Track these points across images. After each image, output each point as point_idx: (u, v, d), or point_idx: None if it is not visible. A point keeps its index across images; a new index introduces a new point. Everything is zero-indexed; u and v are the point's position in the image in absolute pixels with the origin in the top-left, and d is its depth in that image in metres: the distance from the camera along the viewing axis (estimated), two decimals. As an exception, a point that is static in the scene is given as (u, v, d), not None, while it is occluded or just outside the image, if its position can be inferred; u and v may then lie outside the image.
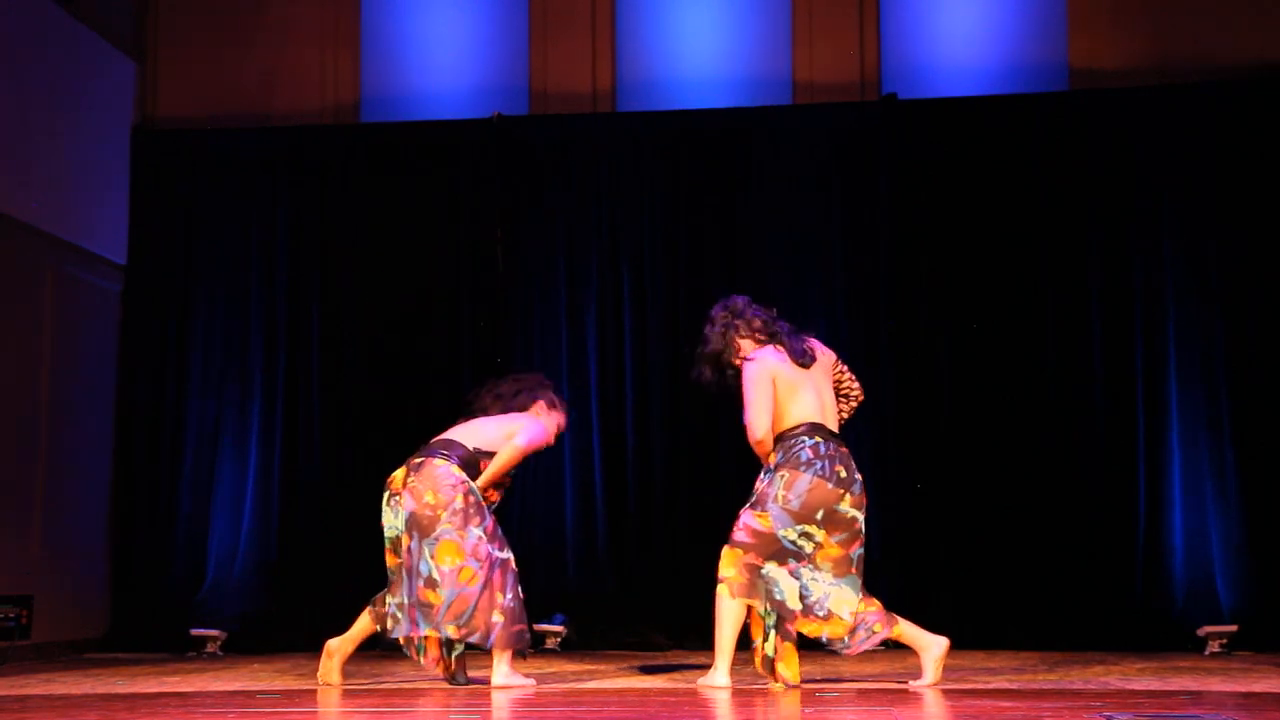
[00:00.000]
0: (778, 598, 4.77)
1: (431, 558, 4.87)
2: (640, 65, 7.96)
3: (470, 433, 5.12)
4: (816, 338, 5.10)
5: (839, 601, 4.74)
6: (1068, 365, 7.20)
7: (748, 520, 4.82)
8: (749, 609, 4.83)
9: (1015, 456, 7.13)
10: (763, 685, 4.90)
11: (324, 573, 7.27)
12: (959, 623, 6.73)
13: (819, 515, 4.76)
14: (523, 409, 5.27)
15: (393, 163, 7.76)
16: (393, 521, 5.02)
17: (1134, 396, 7.12)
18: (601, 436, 7.45)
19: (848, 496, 4.79)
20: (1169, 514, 7.00)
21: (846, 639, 4.75)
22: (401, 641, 5.04)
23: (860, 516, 4.80)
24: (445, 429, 5.20)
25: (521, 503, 7.38)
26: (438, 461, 4.99)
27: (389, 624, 5.00)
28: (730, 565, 4.80)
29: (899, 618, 4.79)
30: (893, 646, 5.09)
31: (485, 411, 5.25)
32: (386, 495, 5.06)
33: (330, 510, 7.45)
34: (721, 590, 4.80)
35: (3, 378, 6.79)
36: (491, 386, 5.37)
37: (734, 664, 4.83)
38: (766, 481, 4.86)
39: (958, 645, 6.55)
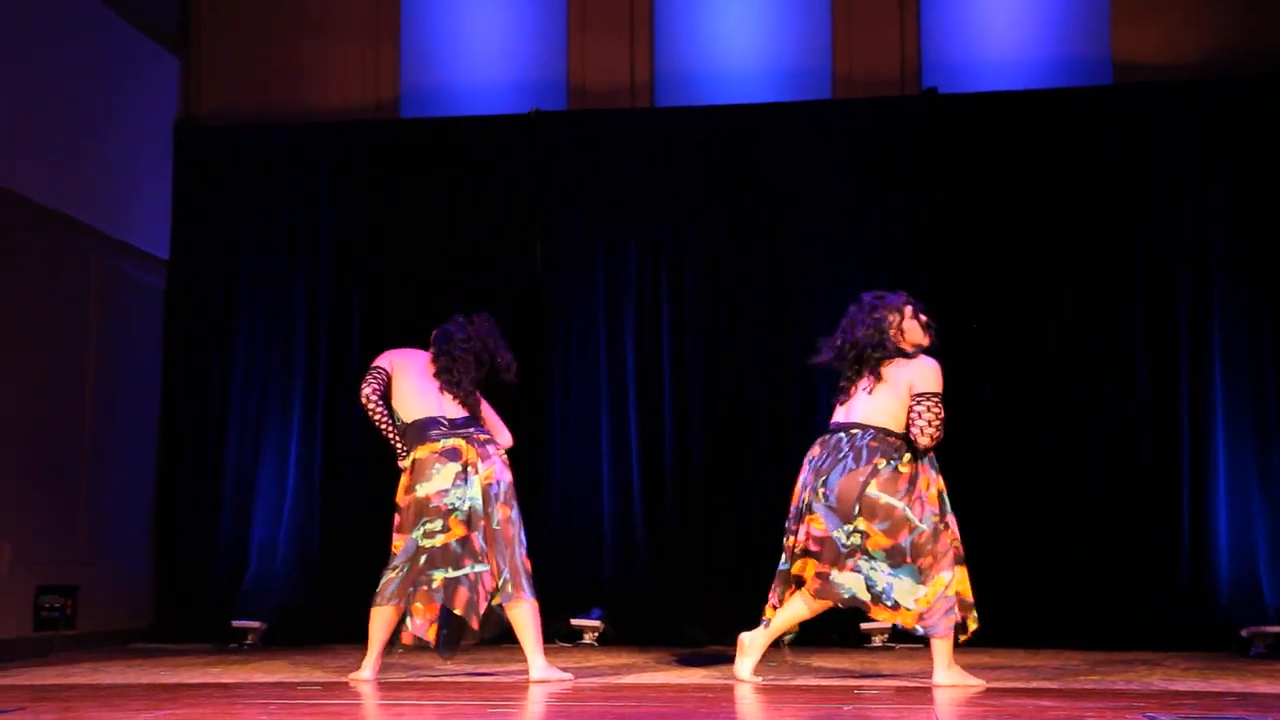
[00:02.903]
0: (847, 596, 4.79)
1: (521, 529, 5.10)
2: (678, 60, 7.94)
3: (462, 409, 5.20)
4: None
5: (901, 592, 4.74)
6: (1112, 361, 7.13)
7: (810, 530, 4.87)
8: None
9: (1058, 454, 7.07)
10: (798, 681, 4.90)
11: (363, 567, 7.27)
12: (1000, 621, 6.71)
13: (855, 509, 4.77)
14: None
15: (432, 158, 7.79)
16: (466, 494, 5.03)
17: (1178, 393, 7.04)
18: (639, 432, 7.45)
19: (874, 482, 4.78)
20: (1213, 513, 6.93)
21: (918, 627, 4.74)
22: (461, 609, 5.02)
23: (897, 504, 4.75)
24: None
25: (560, 497, 7.40)
26: (491, 449, 5.15)
27: (498, 597, 5.01)
28: (809, 572, 4.87)
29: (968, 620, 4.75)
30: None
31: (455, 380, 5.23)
32: (459, 467, 5.04)
33: (370, 504, 7.47)
34: (800, 593, 4.89)
35: (50, 371, 6.87)
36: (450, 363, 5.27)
37: (766, 659, 4.87)
38: (802, 489, 4.97)
39: (999, 643, 6.55)
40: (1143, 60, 7.46)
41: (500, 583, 5.01)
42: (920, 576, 4.75)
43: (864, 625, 6.71)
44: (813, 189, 7.50)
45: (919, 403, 4.81)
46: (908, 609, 4.73)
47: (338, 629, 6.97)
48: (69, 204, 7.02)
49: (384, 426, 5.20)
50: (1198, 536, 6.93)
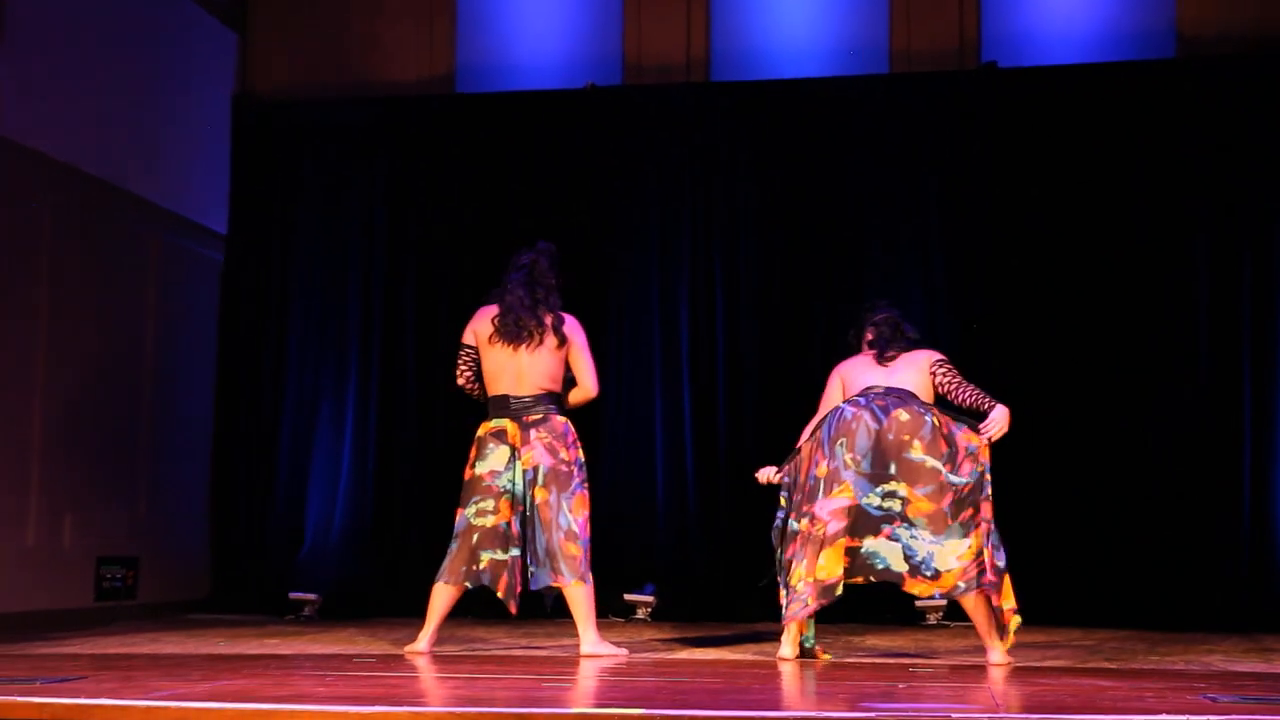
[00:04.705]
0: (880, 568, 4.72)
1: (570, 510, 5.02)
2: (734, 34, 7.88)
3: (542, 372, 5.14)
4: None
5: (944, 557, 4.65)
6: (1173, 338, 7.03)
7: (830, 505, 4.74)
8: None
9: (1118, 431, 6.98)
10: (851, 659, 4.88)
11: (418, 540, 7.36)
12: (1058, 600, 6.67)
13: (892, 468, 4.71)
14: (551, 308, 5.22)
15: (488, 133, 7.79)
16: (511, 478, 5.05)
17: (1240, 370, 6.93)
18: (693, 406, 7.43)
19: (917, 442, 4.71)
20: (1274, 493, 6.82)
21: (961, 584, 4.64)
22: (501, 592, 5.04)
23: (941, 468, 4.69)
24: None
25: (613, 473, 7.40)
26: (559, 418, 5.12)
27: (527, 576, 5.03)
28: (835, 564, 4.73)
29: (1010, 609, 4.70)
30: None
31: (524, 330, 5.16)
32: (508, 451, 5.06)
33: (424, 478, 7.53)
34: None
35: (110, 345, 6.96)
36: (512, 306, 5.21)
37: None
38: (826, 460, 4.82)
39: (1055, 622, 6.49)
40: (1208, 33, 7.31)
41: (534, 566, 5.03)
42: (964, 531, 4.66)
43: (919, 603, 6.67)
44: (870, 164, 7.43)
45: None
46: (951, 572, 4.63)
47: (392, 602, 7.03)
48: (128, 179, 7.09)
49: (480, 397, 5.30)
50: (1259, 516, 6.82)
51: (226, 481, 7.80)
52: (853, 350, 5.20)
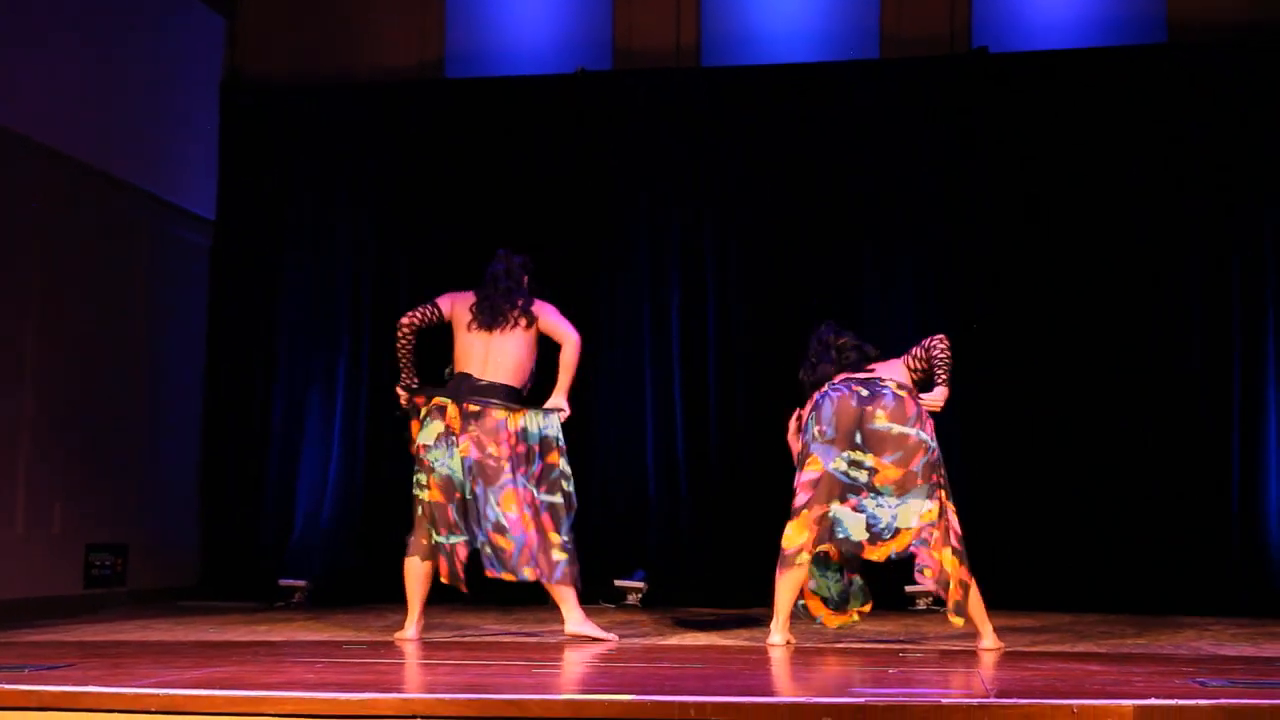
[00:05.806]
0: (840, 535, 4.75)
1: (498, 504, 5.03)
2: (724, 20, 7.86)
3: (511, 358, 5.16)
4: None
5: (906, 515, 4.68)
6: (1164, 326, 7.04)
7: (801, 479, 4.81)
8: (806, 576, 4.82)
9: (1108, 416, 6.99)
10: (841, 644, 4.88)
11: (407, 528, 7.31)
12: (1046, 584, 6.68)
13: (858, 438, 4.72)
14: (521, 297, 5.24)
15: (478, 119, 7.77)
16: (445, 460, 5.08)
17: (1231, 356, 6.95)
18: (684, 393, 7.42)
19: (880, 412, 4.73)
20: (1265, 476, 6.84)
21: (915, 541, 4.67)
22: (445, 578, 5.10)
23: (910, 431, 4.70)
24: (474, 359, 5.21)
25: (604, 460, 7.39)
26: (497, 414, 5.10)
27: (482, 560, 5.08)
28: (799, 533, 4.77)
29: (970, 591, 4.70)
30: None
31: (496, 320, 5.21)
32: (442, 428, 5.09)
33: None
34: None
35: (100, 332, 6.93)
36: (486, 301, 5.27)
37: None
38: (803, 439, 4.90)
39: (1044, 607, 6.51)
40: (1198, 18, 7.30)
41: (488, 554, 5.05)
42: (930, 492, 4.68)
43: (908, 588, 6.68)
44: (860, 150, 7.41)
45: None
46: (909, 529, 4.67)
47: (382, 589, 6.99)
48: (117, 165, 7.06)
49: (402, 356, 5.24)
50: (1247, 502, 6.85)
51: (216, 468, 7.78)
52: (813, 385, 5.05)
